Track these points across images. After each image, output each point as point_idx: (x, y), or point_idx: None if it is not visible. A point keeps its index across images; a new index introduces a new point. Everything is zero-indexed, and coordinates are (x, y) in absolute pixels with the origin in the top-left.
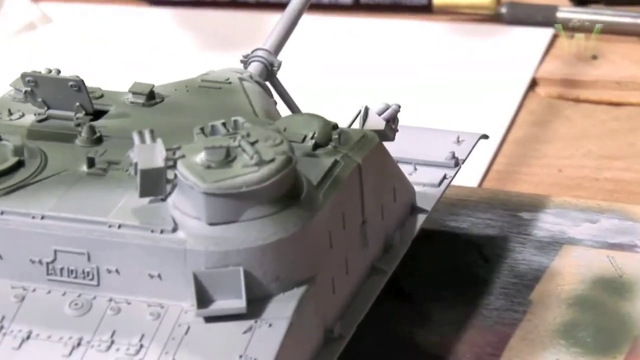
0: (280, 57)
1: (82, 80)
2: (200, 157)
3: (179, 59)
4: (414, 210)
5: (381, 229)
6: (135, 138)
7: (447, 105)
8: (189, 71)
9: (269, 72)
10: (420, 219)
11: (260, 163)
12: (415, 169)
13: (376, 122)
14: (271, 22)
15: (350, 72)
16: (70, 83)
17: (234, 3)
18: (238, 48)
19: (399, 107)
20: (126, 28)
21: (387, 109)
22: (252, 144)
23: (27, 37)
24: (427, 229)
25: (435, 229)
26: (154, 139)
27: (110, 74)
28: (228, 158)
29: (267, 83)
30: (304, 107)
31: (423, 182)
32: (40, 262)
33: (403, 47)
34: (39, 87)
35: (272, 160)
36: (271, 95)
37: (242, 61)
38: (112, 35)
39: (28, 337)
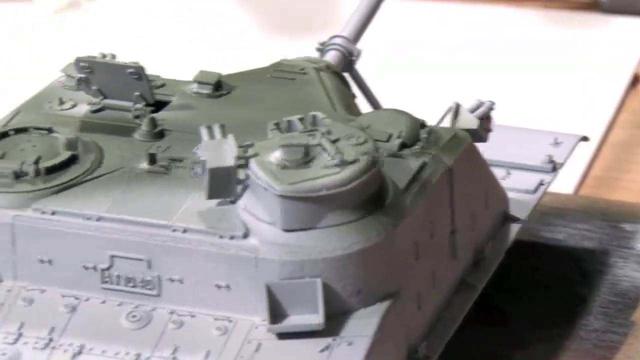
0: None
1: (143, 67)
2: (276, 155)
3: (242, 43)
4: (507, 219)
5: (471, 240)
6: (203, 133)
7: (540, 102)
8: (254, 58)
9: (347, 62)
10: (514, 228)
11: (342, 164)
12: (509, 173)
13: (468, 121)
14: (345, 3)
15: (434, 62)
16: (129, 70)
17: None
18: (309, 33)
19: (493, 104)
20: (182, 8)
21: (480, 105)
22: (333, 142)
23: (70, 15)
24: (519, 239)
25: (527, 240)
26: (224, 135)
27: (165, 59)
28: (306, 157)
29: (345, 74)
30: (384, 102)
31: (517, 188)
32: (94, 268)
33: (492, 36)
34: (94, 73)
35: (356, 160)
36: (349, 88)
37: (318, 49)
38: (165, 16)
39: (80, 352)
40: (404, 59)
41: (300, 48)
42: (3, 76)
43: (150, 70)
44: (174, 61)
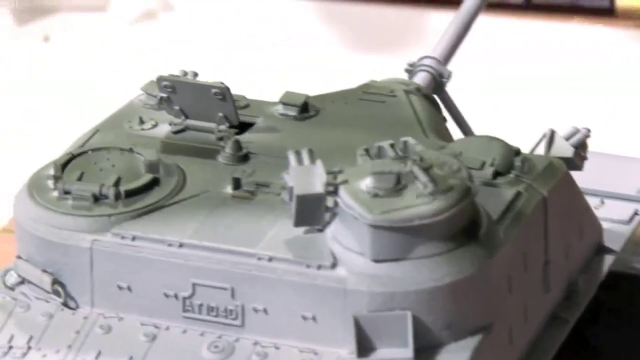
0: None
1: (228, 88)
2: (366, 183)
3: (322, 59)
4: (601, 250)
5: (564, 272)
6: (292, 158)
7: (633, 127)
8: (335, 76)
9: (438, 84)
10: (608, 260)
11: (436, 193)
12: (603, 203)
13: (563, 149)
14: (429, 20)
15: (521, 83)
16: (214, 90)
17: None
18: (396, 53)
19: (589, 131)
20: (260, 22)
21: (575, 133)
22: (426, 170)
23: (145, 27)
24: (612, 271)
25: (620, 272)
26: (312, 161)
27: (245, 77)
28: (398, 186)
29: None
30: (473, 126)
31: (611, 217)
32: (175, 296)
33: (580, 55)
34: (176, 93)
35: (449, 189)
36: (440, 111)
37: (406, 70)
38: (242, 30)
39: None
40: (484, 76)
41: (388, 69)
42: (78, 90)
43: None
44: (254, 80)
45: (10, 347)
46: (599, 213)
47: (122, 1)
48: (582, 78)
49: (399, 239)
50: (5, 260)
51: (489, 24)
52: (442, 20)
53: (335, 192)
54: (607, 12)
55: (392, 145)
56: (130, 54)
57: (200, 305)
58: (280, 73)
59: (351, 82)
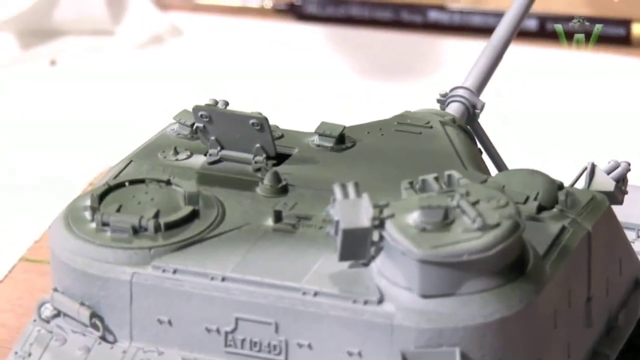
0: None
1: (266, 118)
2: (413, 217)
3: (334, 85)
4: (638, 285)
5: (605, 307)
6: (337, 192)
7: None
8: (349, 101)
9: (470, 115)
10: None
11: (484, 228)
12: (639, 236)
13: (604, 183)
14: (439, 46)
15: (538, 112)
16: (252, 121)
17: (397, 23)
18: (405, 75)
19: (629, 165)
20: (269, 47)
21: (616, 167)
22: (473, 204)
23: (154, 50)
24: None
25: None
26: (358, 194)
27: (252, 99)
28: (446, 220)
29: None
30: (505, 158)
31: None
32: (217, 331)
33: (597, 82)
34: (212, 123)
35: (498, 224)
36: (476, 143)
37: (438, 100)
38: (252, 54)
39: None
40: (523, 110)
41: (420, 99)
42: (90, 116)
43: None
44: (263, 107)
45: None
46: (636, 247)
47: (130, 25)
48: (595, 107)
49: (447, 275)
50: (27, 289)
51: (524, 53)
52: (459, 48)
53: (381, 226)
54: (623, 41)
55: (436, 179)
56: (138, 78)
57: (243, 340)
58: (290, 100)
59: (383, 113)
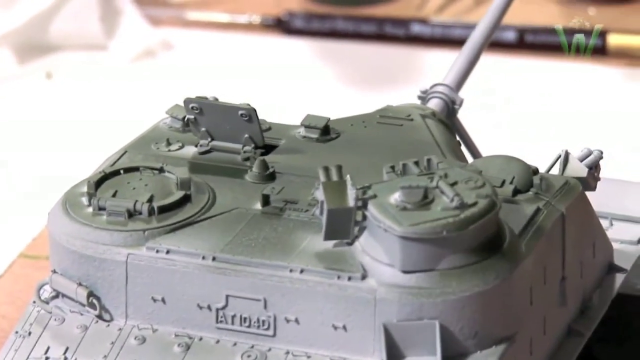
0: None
1: (254, 109)
2: (395, 197)
3: (320, 95)
4: (612, 268)
5: (579, 287)
6: (322, 175)
7: (628, 154)
8: (335, 112)
9: (450, 110)
10: (619, 278)
11: (462, 206)
12: (612, 224)
13: (578, 169)
14: (421, 58)
15: (514, 115)
16: (241, 112)
17: (381, 36)
18: (388, 86)
19: (602, 153)
20: (257, 60)
21: (589, 154)
22: (452, 185)
23: (145, 64)
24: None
25: (626, 293)
26: (341, 177)
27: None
28: (425, 199)
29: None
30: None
31: (620, 238)
32: (209, 308)
33: (572, 92)
34: (203, 115)
35: (475, 203)
36: (455, 136)
37: (419, 97)
38: (240, 68)
39: None
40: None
41: (402, 97)
42: (84, 123)
43: None
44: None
45: (47, 359)
46: (609, 234)
47: (123, 40)
48: (570, 113)
49: (427, 251)
50: (26, 282)
51: (482, 60)
52: (440, 60)
53: (364, 206)
54: (599, 51)
55: (416, 163)
56: (131, 90)
57: (233, 316)
58: (277, 111)
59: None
